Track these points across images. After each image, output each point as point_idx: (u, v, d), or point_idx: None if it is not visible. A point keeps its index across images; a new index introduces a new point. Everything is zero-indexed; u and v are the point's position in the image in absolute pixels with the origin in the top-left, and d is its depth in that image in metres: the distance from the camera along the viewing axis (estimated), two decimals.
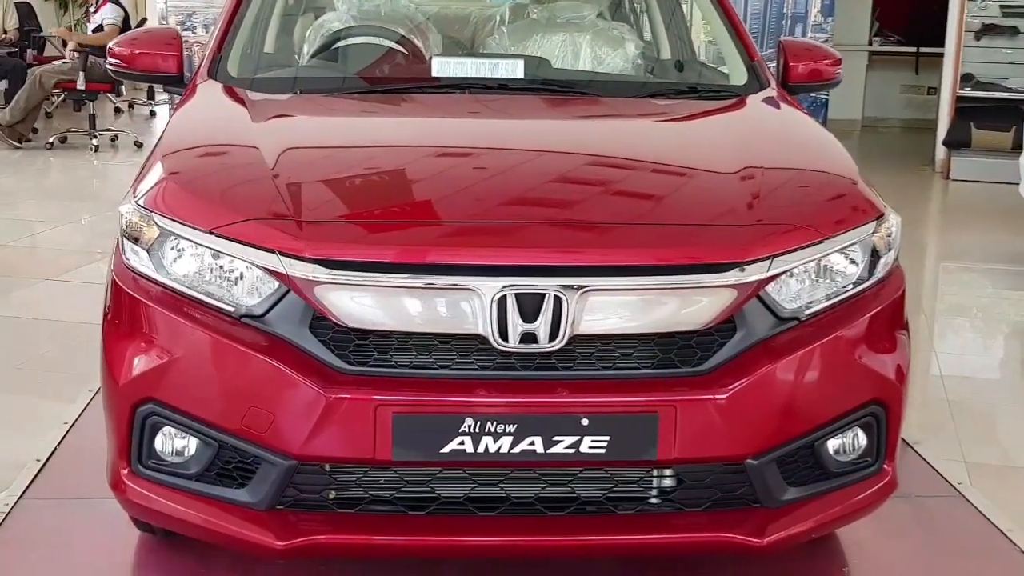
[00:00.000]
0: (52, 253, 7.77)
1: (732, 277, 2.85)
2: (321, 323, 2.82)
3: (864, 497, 3.10)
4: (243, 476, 2.88)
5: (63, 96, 12.62)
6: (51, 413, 4.50)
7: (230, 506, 2.88)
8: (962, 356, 6.21)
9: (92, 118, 12.00)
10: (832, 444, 3.03)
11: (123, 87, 13.27)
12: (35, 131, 12.20)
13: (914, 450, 4.36)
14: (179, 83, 3.99)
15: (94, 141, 11.73)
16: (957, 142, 11.28)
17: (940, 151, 11.55)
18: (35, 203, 9.63)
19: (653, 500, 2.97)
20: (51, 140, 11.89)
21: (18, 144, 11.62)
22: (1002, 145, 11.05)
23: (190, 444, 2.90)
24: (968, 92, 11.37)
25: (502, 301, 2.77)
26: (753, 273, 2.87)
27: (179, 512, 2.92)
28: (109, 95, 13.13)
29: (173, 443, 2.92)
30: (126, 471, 2.95)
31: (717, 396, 2.81)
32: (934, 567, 3.63)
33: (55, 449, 4.14)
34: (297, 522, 2.86)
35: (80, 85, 11.46)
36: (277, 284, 2.83)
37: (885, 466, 3.13)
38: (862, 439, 3.08)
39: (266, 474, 2.83)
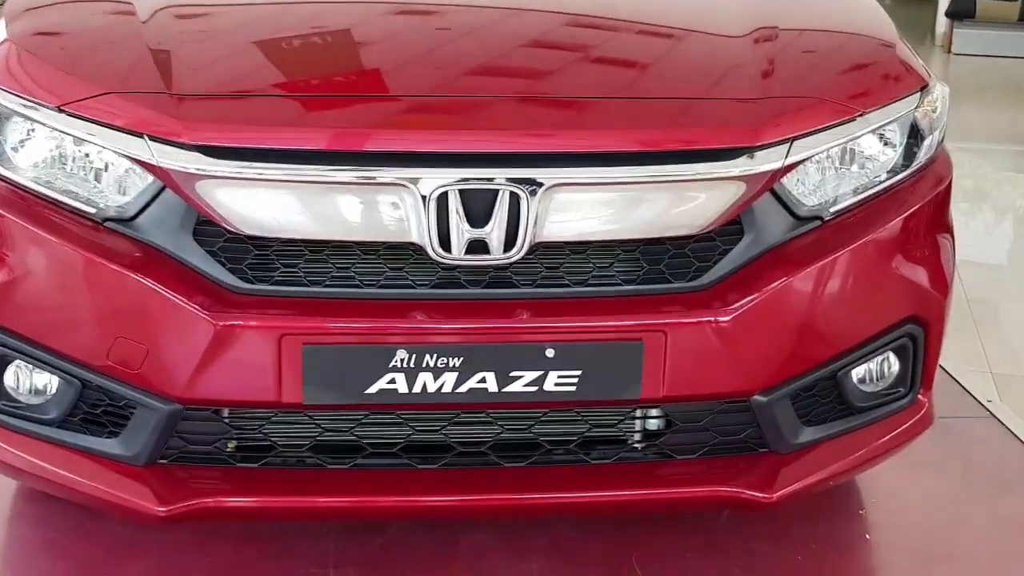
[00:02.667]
0: None
1: (739, 166, 2.23)
2: (208, 229, 2.20)
3: (894, 436, 2.53)
4: (115, 423, 2.27)
5: None
6: None
7: (101, 460, 2.28)
8: (972, 247, 5.61)
9: None
10: (857, 372, 2.45)
11: None
12: None
13: None
14: None
15: None
16: (961, 12, 10.56)
17: (942, 23, 10.83)
18: None
19: (636, 447, 2.38)
20: None
21: None
22: (1009, 16, 10.36)
23: (50, 382, 2.28)
24: None
25: (442, 200, 2.15)
26: (766, 160, 2.25)
27: (38, 467, 2.31)
28: None
29: (31, 380, 2.30)
30: None
31: (718, 318, 2.22)
32: (966, 505, 3.07)
33: None
34: (186, 480, 2.27)
35: None
36: (150, 179, 2.19)
37: (920, 396, 2.55)
38: (894, 365, 2.50)
39: (142, 421, 2.23)
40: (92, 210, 2.21)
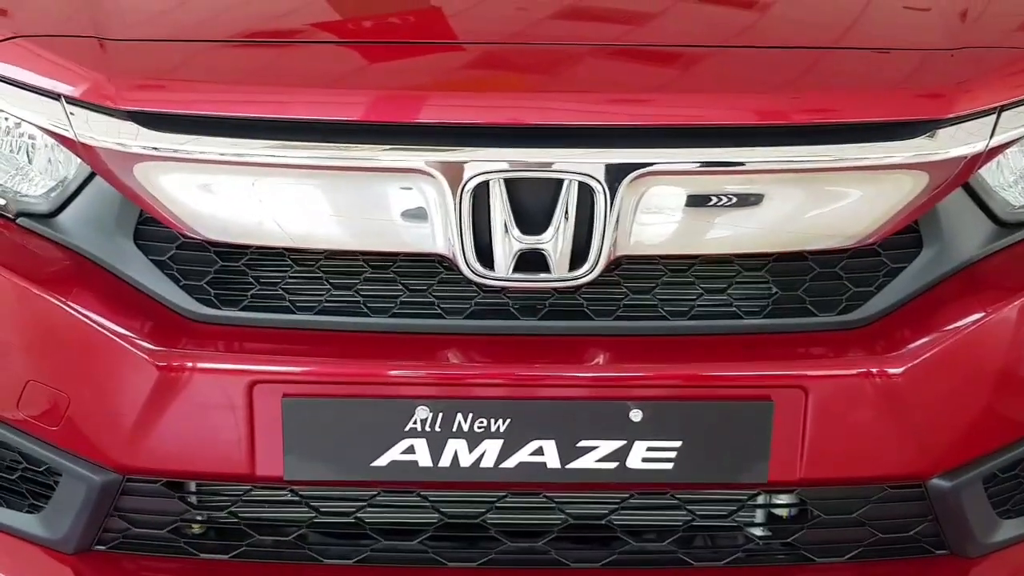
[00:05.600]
0: None
1: (918, 148, 1.55)
2: (155, 231, 1.60)
3: None
4: (36, 495, 1.67)
5: None
6: None
7: (20, 542, 1.67)
8: None
9: None
10: None
11: None
12: None
13: None
14: None
15: None
16: None
17: None
18: None
19: (757, 544, 1.69)
20: None
21: None
22: None
23: None
24: None
25: (481, 194, 1.50)
26: (960, 140, 1.56)
27: None
28: None
29: None
30: None
31: (885, 368, 1.56)
32: None
33: None
34: (131, 575, 1.65)
35: None
36: (75, 161, 1.57)
37: None
38: None
39: (69, 494, 1.62)
40: (0, 201, 1.61)
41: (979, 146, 1.55)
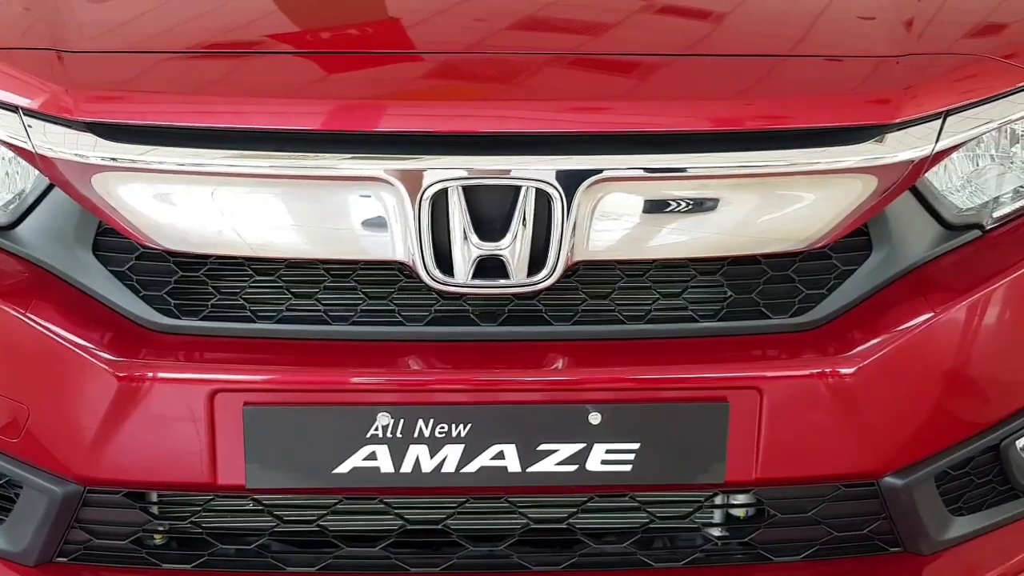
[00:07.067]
0: None
1: (867, 152, 1.58)
2: (114, 242, 1.61)
3: None
4: None
5: None
6: None
7: None
8: None
9: None
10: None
11: None
12: None
13: None
14: None
15: None
16: None
17: None
18: None
19: (715, 542, 1.72)
20: None
21: None
22: None
23: None
24: None
25: (440, 201, 1.51)
26: (907, 144, 1.59)
27: None
28: None
29: None
30: None
31: (837, 368, 1.59)
32: None
33: None
34: None
35: None
36: (33, 173, 1.58)
37: None
38: None
39: (30, 506, 1.63)
40: None
41: (926, 150, 1.58)
